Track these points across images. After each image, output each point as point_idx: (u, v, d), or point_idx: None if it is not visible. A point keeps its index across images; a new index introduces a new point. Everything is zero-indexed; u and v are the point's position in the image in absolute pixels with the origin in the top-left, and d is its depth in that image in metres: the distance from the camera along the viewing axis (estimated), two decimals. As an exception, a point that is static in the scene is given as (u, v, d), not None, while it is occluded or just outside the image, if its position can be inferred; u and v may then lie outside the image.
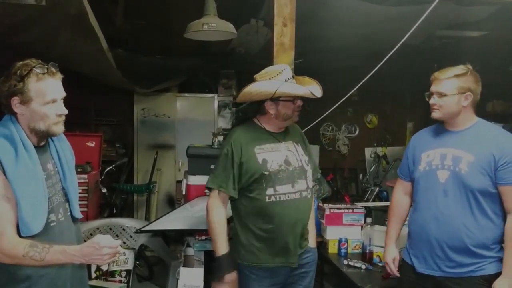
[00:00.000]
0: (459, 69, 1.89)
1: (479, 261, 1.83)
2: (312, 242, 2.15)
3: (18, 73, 1.46)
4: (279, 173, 2.00)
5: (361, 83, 3.08)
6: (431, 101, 1.94)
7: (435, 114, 1.94)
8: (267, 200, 1.98)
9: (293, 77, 2.12)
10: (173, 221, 2.87)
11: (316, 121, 3.44)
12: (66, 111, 1.58)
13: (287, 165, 2.02)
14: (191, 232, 2.77)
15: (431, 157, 1.96)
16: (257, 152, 2.01)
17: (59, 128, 1.58)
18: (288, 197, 2.00)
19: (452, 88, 1.87)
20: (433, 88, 1.94)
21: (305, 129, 3.28)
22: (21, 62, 1.49)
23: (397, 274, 2.08)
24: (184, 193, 3.38)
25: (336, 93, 3.31)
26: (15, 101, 1.47)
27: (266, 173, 1.98)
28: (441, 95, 1.89)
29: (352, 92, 3.21)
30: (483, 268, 1.83)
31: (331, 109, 3.29)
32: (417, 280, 1.96)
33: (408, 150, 2.13)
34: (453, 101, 1.87)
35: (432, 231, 1.90)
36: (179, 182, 3.68)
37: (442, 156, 1.92)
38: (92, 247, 1.44)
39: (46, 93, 1.50)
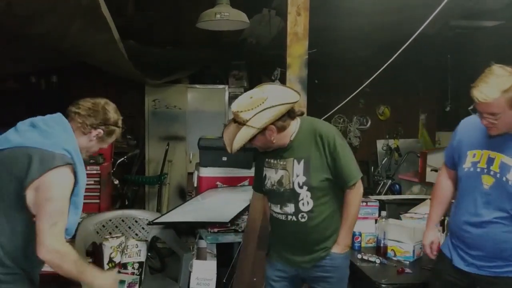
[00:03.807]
0: (502, 79, 1.65)
1: None
2: (335, 248, 2.02)
3: (117, 122, 1.85)
4: (271, 192, 2.06)
5: (376, 74, 3.02)
6: (485, 122, 1.73)
7: (493, 132, 1.76)
8: (270, 210, 2.11)
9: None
10: (185, 213, 2.86)
11: (328, 114, 3.40)
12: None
13: (279, 185, 2.01)
14: (203, 225, 2.75)
15: (477, 158, 1.83)
16: (264, 166, 2.08)
17: None
18: (278, 216, 2.05)
19: (503, 105, 1.65)
20: (482, 110, 1.71)
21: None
22: (120, 118, 1.87)
23: (433, 257, 2.04)
24: (195, 185, 3.37)
25: (348, 84, 3.26)
26: (99, 132, 1.78)
27: (264, 189, 2.10)
28: (495, 115, 1.68)
29: (365, 84, 3.16)
30: None
31: (344, 102, 3.24)
32: (454, 274, 1.90)
33: (454, 139, 1.97)
34: (509, 115, 1.68)
35: (469, 235, 1.84)
36: (191, 174, 3.66)
37: (489, 159, 1.79)
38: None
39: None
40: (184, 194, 5.12)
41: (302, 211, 1.98)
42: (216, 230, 2.68)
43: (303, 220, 1.99)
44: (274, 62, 3.13)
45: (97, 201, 3.57)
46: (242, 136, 1.91)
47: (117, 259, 2.86)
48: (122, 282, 2.64)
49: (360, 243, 2.60)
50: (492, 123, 1.71)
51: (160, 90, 5.31)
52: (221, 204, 2.85)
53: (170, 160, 5.18)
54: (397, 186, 5.09)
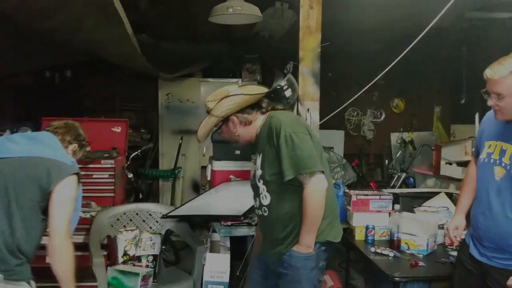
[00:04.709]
0: None
1: None
2: (295, 246, 1.94)
3: (85, 138, 2.18)
4: (251, 187, 2.11)
5: (390, 66, 2.99)
6: (490, 103, 1.74)
7: (498, 117, 1.77)
8: None
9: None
10: (198, 206, 2.87)
11: (342, 107, 3.38)
12: None
13: (252, 179, 2.09)
14: (217, 218, 2.76)
15: (491, 149, 1.83)
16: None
17: None
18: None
19: (510, 86, 1.66)
20: (489, 88, 1.72)
21: (330, 115, 3.23)
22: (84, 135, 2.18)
23: (456, 241, 2.02)
24: (208, 178, 3.37)
25: (361, 77, 3.23)
26: (74, 147, 2.10)
27: None
28: (500, 96, 1.69)
29: (379, 76, 3.12)
30: None
31: (357, 95, 3.21)
32: (471, 262, 1.92)
33: (479, 130, 1.99)
34: None
35: (480, 225, 1.85)
36: (204, 167, 3.67)
37: (501, 151, 1.79)
38: None
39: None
40: (197, 188, 5.14)
41: (263, 204, 1.99)
42: (229, 223, 2.68)
43: (265, 214, 2.00)
44: (287, 55, 3.11)
45: (112, 194, 3.59)
46: (204, 124, 2.01)
47: (131, 252, 2.89)
48: (136, 274, 2.66)
49: (374, 236, 2.59)
50: (496, 105, 1.71)
51: (173, 84, 5.32)
52: (234, 197, 2.85)
53: (183, 154, 5.20)
54: (411, 179, 5.03)
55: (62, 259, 1.79)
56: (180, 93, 5.34)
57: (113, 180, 3.62)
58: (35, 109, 5.10)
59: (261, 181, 1.97)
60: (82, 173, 3.45)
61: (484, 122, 1.96)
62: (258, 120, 2.01)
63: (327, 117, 3.13)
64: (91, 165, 3.59)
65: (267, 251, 2.06)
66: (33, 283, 1.84)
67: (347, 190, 2.84)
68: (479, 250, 1.87)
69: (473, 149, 2.09)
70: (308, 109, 2.76)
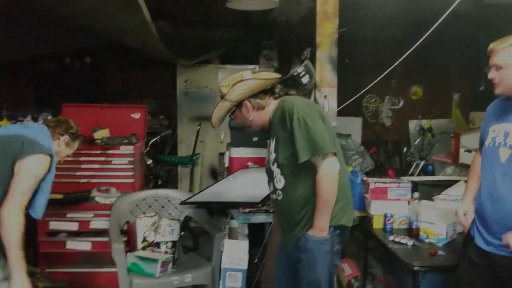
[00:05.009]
0: None
1: None
2: (310, 230, 1.94)
3: (78, 130, 2.40)
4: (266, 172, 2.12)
5: (408, 52, 2.92)
6: (489, 75, 1.78)
7: (496, 90, 1.79)
8: None
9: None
10: (216, 193, 2.88)
11: (359, 94, 3.33)
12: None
13: (267, 164, 2.10)
14: (235, 205, 2.77)
15: (496, 132, 1.83)
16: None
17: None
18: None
19: (509, 59, 1.71)
20: (490, 61, 1.78)
21: (348, 102, 3.19)
22: (76, 127, 2.40)
23: (466, 225, 1.99)
24: (226, 165, 3.38)
25: (379, 64, 3.17)
26: (65, 138, 2.33)
27: None
28: (498, 67, 1.74)
29: (397, 63, 3.06)
30: None
31: (375, 81, 3.16)
32: (476, 253, 1.89)
33: (483, 120, 1.99)
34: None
35: (487, 210, 1.82)
36: (222, 154, 3.67)
37: (505, 133, 1.78)
38: None
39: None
40: (216, 174, 5.16)
41: (277, 188, 2.00)
42: (247, 210, 2.69)
43: (279, 198, 2.01)
44: (304, 41, 3.06)
45: (131, 180, 3.62)
46: (218, 109, 2.04)
47: (150, 238, 2.91)
48: (155, 261, 2.69)
49: (392, 224, 2.56)
50: (495, 77, 1.75)
51: (191, 71, 5.31)
52: (252, 184, 2.85)
53: (202, 140, 5.22)
54: (430, 167, 4.96)
55: (8, 230, 1.88)
56: (198, 80, 5.33)
57: (132, 166, 3.64)
58: (55, 96, 5.16)
59: (275, 164, 1.99)
60: (102, 159, 3.56)
61: (487, 111, 1.97)
62: (271, 105, 2.03)
63: (345, 104, 3.10)
64: (110, 151, 3.62)
65: (285, 237, 2.07)
66: None
67: (365, 178, 2.81)
68: (486, 240, 1.84)
69: (479, 141, 2.04)
70: (325, 96, 2.72)
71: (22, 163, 1.99)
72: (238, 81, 1.97)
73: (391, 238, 2.41)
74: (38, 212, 2.13)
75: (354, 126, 5.82)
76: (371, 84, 3.20)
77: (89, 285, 3.31)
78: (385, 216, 2.57)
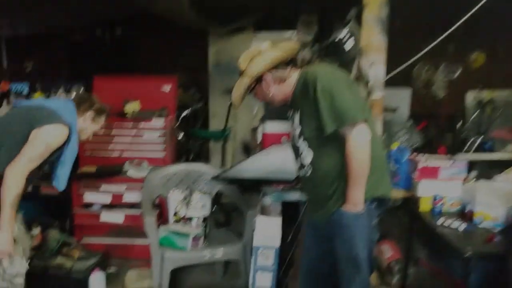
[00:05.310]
0: None
1: None
2: (344, 205, 1.90)
3: (102, 105, 2.49)
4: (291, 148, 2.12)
5: (469, 14, 2.73)
6: None
7: None
8: None
9: None
10: (248, 169, 2.86)
11: (411, 61, 3.17)
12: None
13: (292, 140, 2.09)
14: (267, 182, 2.74)
15: None
16: None
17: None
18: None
19: None
20: None
21: (396, 70, 3.04)
22: (101, 105, 2.49)
23: None
24: (259, 140, 3.34)
25: (435, 26, 2.99)
26: (90, 113, 2.43)
27: None
28: None
29: (456, 25, 2.87)
30: None
31: (429, 46, 2.99)
32: None
33: None
34: None
35: None
36: (255, 129, 3.64)
37: None
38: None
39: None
40: (248, 150, 5.15)
41: (306, 163, 1.96)
42: (280, 187, 2.66)
43: (308, 173, 1.97)
44: (348, 2, 2.91)
45: (162, 154, 3.69)
46: (237, 87, 2.00)
47: (182, 213, 2.98)
48: (186, 235, 2.75)
49: (442, 207, 2.45)
50: None
51: (224, 41, 5.25)
52: (286, 160, 2.80)
53: (234, 114, 5.20)
54: (489, 144, 4.70)
55: (6, 188, 2.02)
56: (231, 50, 5.26)
57: (163, 139, 3.70)
58: (87, 67, 5.29)
59: (301, 138, 1.96)
60: (133, 132, 3.63)
61: None
62: (293, 77, 1.98)
63: (392, 73, 2.95)
64: (141, 125, 3.69)
65: (315, 213, 2.04)
66: None
67: (412, 156, 2.70)
68: None
69: None
70: (371, 63, 2.59)
71: (38, 131, 2.12)
72: (255, 54, 1.95)
73: (440, 221, 2.32)
74: (60, 183, 2.29)
75: (401, 98, 5.60)
76: (424, 50, 3.04)
77: (123, 256, 3.48)
78: (435, 197, 2.46)
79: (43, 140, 2.13)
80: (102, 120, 2.52)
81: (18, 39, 5.31)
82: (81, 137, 2.43)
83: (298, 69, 1.99)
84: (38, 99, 3.02)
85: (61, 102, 2.48)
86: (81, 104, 2.41)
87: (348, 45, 2.61)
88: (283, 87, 1.99)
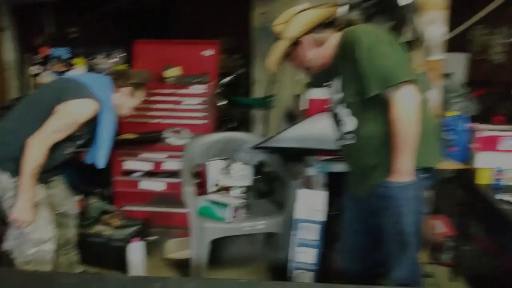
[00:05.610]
0: None
1: None
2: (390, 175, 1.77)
3: (137, 83, 2.46)
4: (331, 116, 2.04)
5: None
6: None
7: None
8: None
9: None
10: (292, 138, 2.77)
11: (467, 24, 2.92)
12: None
13: (332, 108, 2.00)
14: (312, 152, 2.64)
15: None
16: None
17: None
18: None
19: None
20: None
21: (452, 33, 2.80)
22: (138, 79, 2.50)
23: None
24: (304, 108, 3.22)
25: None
26: (126, 88, 2.41)
27: None
28: None
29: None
30: None
31: (488, 8, 2.72)
32: None
33: None
34: None
35: None
36: (299, 96, 3.51)
37: None
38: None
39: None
40: (292, 118, 5.02)
41: (347, 131, 1.85)
42: (326, 158, 2.55)
43: (349, 142, 1.86)
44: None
45: (203, 122, 3.65)
46: (274, 51, 1.87)
47: (222, 182, 2.95)
48: (225, 205, 2.70)
49: (503, 181, 2.28)
50: None
51: (268, 2, 5.06)
52: (332, 129, 2.68)
53: (278, 80, 5.06)
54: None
55: (26, 157, 2.06)
56: (278, 11, 5.02)
57: (204, 107, 3.65)
58: (128, 33, 5.29)
59: (343, 104, 1.85)
60: (173, 98, 3.60)
61: None
62: (332, 39, 1.85)
63: (449, 37, 2.73)
64: (181, 91, 3.64)
65: (358, 186, 1.93)
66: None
67: (469, 125, 2.51)
68: None
69: None
70: (430, 22, 2.38)
71: (65, 104, 2.14)
72: (291, 15, 1.83)
73: (500, 196, 2.16)
74: (100, 160, 2.34)
75: (457, 63, 5.26)
76: (483, 12, 2.79)
77: (164, 225, 3.51)
78: (495, 170, 2.29)
79: (68, 113, 2.13)
80: (140, 94, 2.50)
81: (62, 5, 5.36)
82: (120, 112, 2.42)
83: (339, 31, 1.85)
84: (74, 74, 2.98)
85: (95, 77, 2.46)
86: (117, 80, 2.40)
87: (403, 0, 2.40)
88: (322, 50, 1.87)
